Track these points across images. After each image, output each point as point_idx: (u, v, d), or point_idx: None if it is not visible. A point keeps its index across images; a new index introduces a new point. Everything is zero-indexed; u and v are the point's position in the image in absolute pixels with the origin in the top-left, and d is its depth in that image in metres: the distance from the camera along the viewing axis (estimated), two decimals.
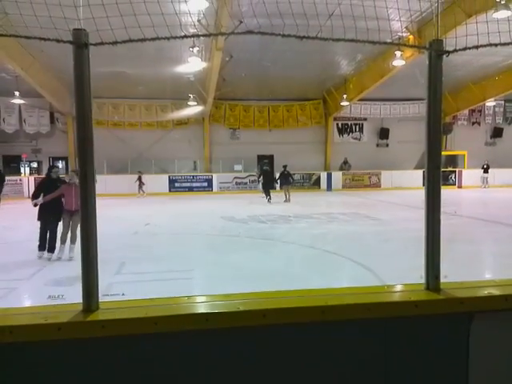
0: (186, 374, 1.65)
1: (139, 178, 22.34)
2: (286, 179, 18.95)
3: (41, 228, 7.79)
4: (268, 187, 18.78)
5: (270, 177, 19.78)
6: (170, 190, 23.91)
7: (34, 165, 25.33)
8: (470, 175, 26.16)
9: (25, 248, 8.19)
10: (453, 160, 27.24)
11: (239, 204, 18.06)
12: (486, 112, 27.98)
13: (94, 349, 1.59)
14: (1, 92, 21.79)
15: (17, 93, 20.45)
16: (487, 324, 1.79)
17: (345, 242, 9.37)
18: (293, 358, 1.71)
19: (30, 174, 24.14)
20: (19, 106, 23.21)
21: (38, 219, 7.80)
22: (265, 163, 20.85)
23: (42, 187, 8.01)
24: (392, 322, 1.76)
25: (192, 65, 17.19)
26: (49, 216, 7.74)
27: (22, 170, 23.42)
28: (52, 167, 8.59)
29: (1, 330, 1.51)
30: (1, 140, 24.48)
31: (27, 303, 5.76)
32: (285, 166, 19.14)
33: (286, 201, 18.40)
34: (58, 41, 1.56)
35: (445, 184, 24.65)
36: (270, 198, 18.39)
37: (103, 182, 20.56)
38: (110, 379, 1.61)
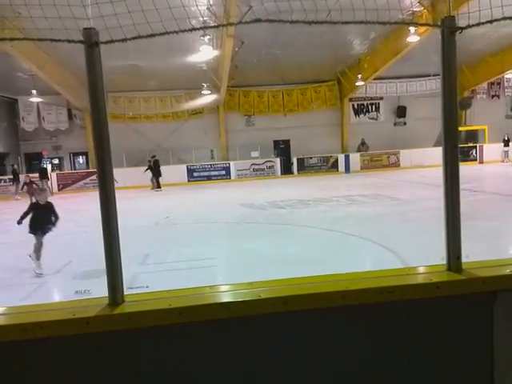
0: (210, 362, 1.69)
1: (149, 168, 21.15)
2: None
3: None
4: (159, 176, 21.07)
5: (158, 166, 21.58)
6: (188, 180, 24.06)
7: (56, 161, 25.79)
8: (491, 150, 25.56)
9: (51, 244, 8.33)
10: (473, 135, 26.62)
11: (257, 190, 18.09)
12: (506, 84, 27.22)
13: (120, 341, 1.64)
14: (18, 91, 22.15)
15: (34, 91, 20.76)
16: (511, 302, 1.77)
17: (366, 223, 9.31)
18: (315, 343, 1.73)
19: (52, 170, 24.60)
20: (37, 104, 23.60)
21: None
22: (154, 155, 22.14)
23: None
24: (414, 305, 1.76)
25: (204, 53, 17.12)
26: None
27: (44, 166, 23.81)
28: None
29: (32, 326, 1.56)
30: (22, 138, 25.00)
31: (56, 298, 5.92)
32: (153, 156, 21.61)
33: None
34: (69, 41, 1.58)
35: (465, 160, 24.18)
36: (159, 187, 20.77)
37: (123, 175, 20.77)
38: (138, 370, 1.65)
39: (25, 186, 16.98)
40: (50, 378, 1.62)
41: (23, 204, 15.01)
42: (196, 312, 1.65)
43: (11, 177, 21.40)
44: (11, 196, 20.35)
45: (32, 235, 6.78)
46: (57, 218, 6.87)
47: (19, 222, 6.74)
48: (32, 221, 6.76)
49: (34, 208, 6.99)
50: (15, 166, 22.18)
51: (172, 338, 1.66)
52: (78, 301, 1.81)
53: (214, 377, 1.69)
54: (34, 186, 16.18)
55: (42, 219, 6.80)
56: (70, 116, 24.64)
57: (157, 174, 20.99)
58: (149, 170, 21.01)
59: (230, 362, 1.70)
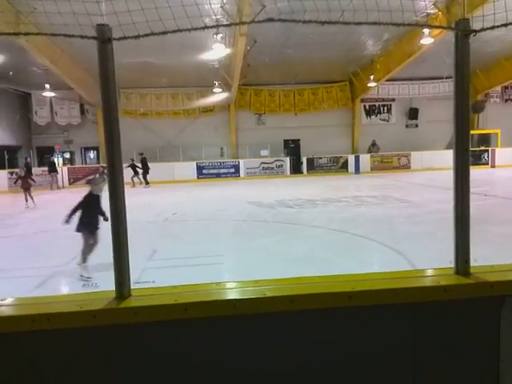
0: (215, 358, 1.70)
1: (131, 166, 20.55)
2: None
3: None
4: (146, 173, 21.52)
5: (146, 163, 21.86)
6: (198, 177, 24.13)
7: (67, 155, 26.03)
8: (503, 154, 25.30)
9: (61, 236, 8.39)
10: (485, 139, 26.38)
11: (266, 189, 18.09)
12: None
13: (126, 335, 1.65)
14: (32, 86, 22.34)
15: (47, 86, 20.93)
16: None
17: (374, 225, 9.27)
18: (320, 343, 1.73)
19: (64, 164, 24.85)
20: (50, 98, 23.81)
21: None
22: (141, 153, 22.25)
23: None
24: (421, 307, 1.75)
25: (216, 51, 17.16)
26: None
27: (56, 160, 24.08)
28: None
29: (39, 318, 1.58)
30: (34, 132, 25.27)
31: (64, 290, 5.97)
32: (141, 154, 21.84)
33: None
34: (82, 37, 1.59)
35: (477, 163, 24.00)
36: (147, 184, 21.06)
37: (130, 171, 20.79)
38: (142, 364, 1.67)
39: (19, 180, 14.96)
40: (56, 369, 1.64)
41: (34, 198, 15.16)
42: (202, 308, 1.66)
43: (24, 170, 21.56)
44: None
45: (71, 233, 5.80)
46: (102, 213, 5.84)
47: (67, 221, 5.65)
48: (81, 217, 5.79)
49: (88, 201, 5.91)
50: (28, 159, 22.36)
51: (177, 334, 1.67)
52: (85, 294, 1.83)
53: (217, 373, 1.70)
54: (29, 180, 14.99)
55: (89, 215, 5.82)
56: (83, 111, 24.85)
57: (145, 171, 21.49)
58: (130, 168, 20.32)
59: (235, 359, 1.70)
